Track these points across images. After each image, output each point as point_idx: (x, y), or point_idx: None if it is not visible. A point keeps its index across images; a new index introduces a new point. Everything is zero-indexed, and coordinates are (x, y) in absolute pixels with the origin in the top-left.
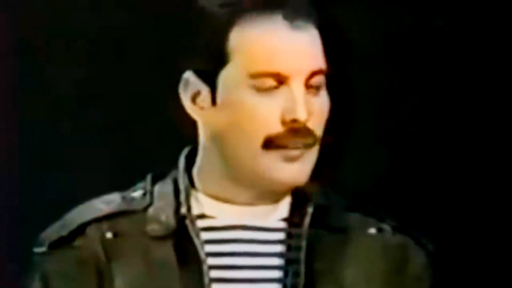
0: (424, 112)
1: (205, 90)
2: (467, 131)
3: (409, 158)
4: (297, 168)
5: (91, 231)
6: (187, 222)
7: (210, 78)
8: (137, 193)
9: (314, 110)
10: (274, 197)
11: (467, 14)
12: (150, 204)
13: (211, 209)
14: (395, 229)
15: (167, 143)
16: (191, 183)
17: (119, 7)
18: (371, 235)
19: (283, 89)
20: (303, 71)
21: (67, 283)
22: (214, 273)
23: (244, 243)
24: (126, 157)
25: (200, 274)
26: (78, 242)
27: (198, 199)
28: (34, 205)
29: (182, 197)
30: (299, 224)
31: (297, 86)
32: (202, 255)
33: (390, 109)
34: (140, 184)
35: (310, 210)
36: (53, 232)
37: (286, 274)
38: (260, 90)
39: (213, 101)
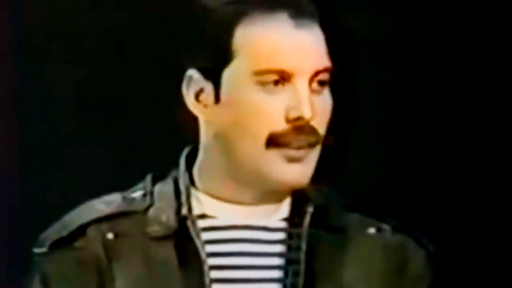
0: (424, 112)
1: (208, 88)
2: (467, 131)
3: (409, 158)
4: (300, 169)
5: (91, 231)
6: (188, 223)
7: (213, 76)
8: (137, 194)
9: (318, 109)
10: (275, 198)
11: (466, 14)
12: (151, 204)
13: (212, 209)
14: (395, 229)
15: (167, 143)
16: (192, 183)
17: (119, 7)
18: (370, 235)
19: (287, 87)
20: (308, 69)
21: (67, 284)
22: (214, 273)
23: (245, 243)
24: (126, 157)
25: (201, 274)
26: (78, 243)
27: (199, 198)
28: (34, 205)
29: (183, 197)
30: (299, 224)
31: (301, 84)
32: (203, 256)
33: (390, 109)
34: (140, 185)
35: (310, 210)
36: (53, 232)
37: (286, 274)
38: (265, 87)
39: (217, 99)
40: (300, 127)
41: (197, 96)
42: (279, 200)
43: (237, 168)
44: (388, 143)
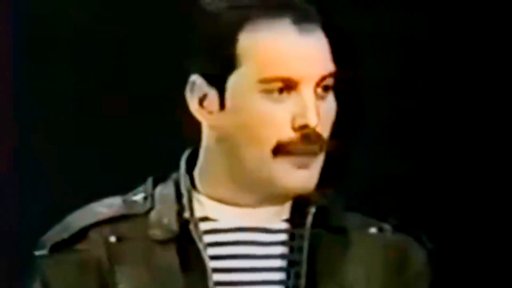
0: (424, 112)
1: (212, 94)
2: (468, 131)
3: (409, 158)
4: (306, 175)
5: (93, 234)
6: (191, 226)
7: (218, 82)
8: (138, 197)
9: (322, 114)
10: (278, 201)
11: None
12: (152, 207)
13: (214, 211)
14: (395, 228)
15: (168, 144)
16: (193, 185)
17: (120, 7)
18: (371, 235)
19: (293, 94)
20: (313, 76)
21: (68, 286)
22: (217, 276)
23: (247, 245)
24: (126, 158)
25: (204, 277)
26: (79, 245)
27: (200, 201)
28: (34, 206)
29: (185, 200)
30: (301, 225)
31: (307, 91)
32: (206, 258)
33: (390, 109)
34: (141, 187)
35: (312, 210)
36: (54, 235)
37: (288, 276)
38: (270, 95)
39: (222, 105)
40: (307, 135)
41: (201, 101)
42: (282, 203)
43: (241, 173)
44: (388, 143)
